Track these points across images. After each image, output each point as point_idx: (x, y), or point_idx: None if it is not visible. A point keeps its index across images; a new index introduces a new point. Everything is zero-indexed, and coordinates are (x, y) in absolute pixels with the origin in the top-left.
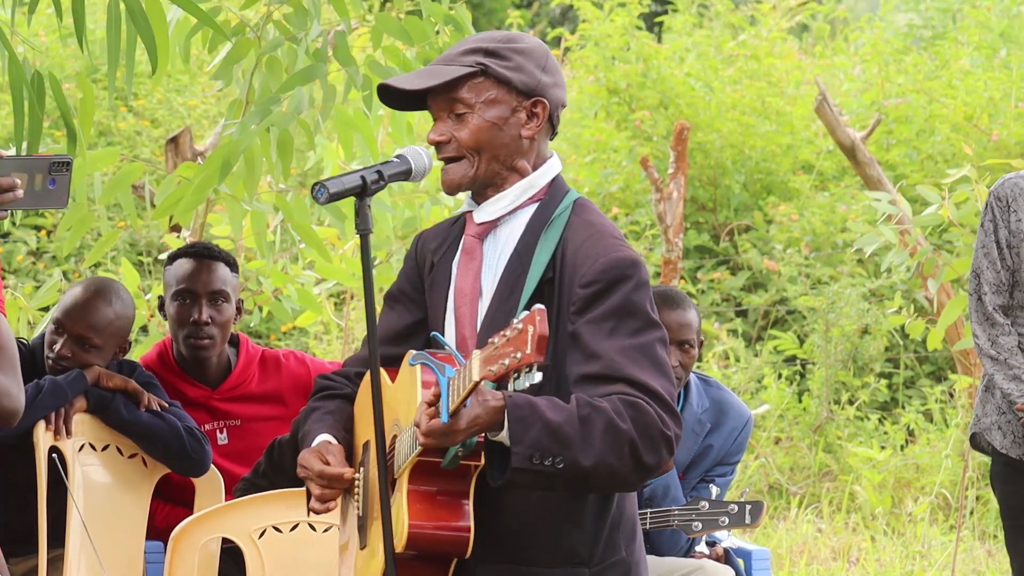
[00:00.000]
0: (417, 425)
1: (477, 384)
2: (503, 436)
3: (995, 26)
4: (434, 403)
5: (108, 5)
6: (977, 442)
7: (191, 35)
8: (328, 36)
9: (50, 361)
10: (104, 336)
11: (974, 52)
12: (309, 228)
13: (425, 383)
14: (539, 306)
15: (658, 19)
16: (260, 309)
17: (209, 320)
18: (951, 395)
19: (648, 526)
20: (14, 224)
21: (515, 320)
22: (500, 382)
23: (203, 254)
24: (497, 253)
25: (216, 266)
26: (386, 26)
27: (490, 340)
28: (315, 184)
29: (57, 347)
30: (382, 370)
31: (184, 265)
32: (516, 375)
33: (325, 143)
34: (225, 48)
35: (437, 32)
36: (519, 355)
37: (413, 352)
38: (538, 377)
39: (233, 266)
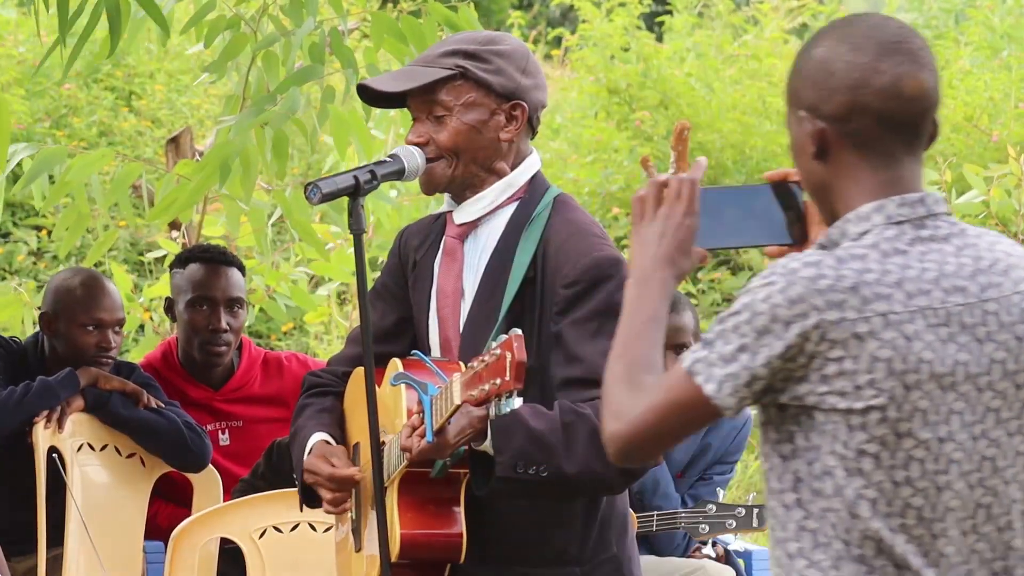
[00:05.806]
0: (408, 450)
1: (459, 407)
2: (487, 446)
3: (996, 26)
4: (419, 426)
5: None
6: None
7: (186, 29)
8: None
9: (107, 368)
10: (122, 312)
11: (974, 52)
12: (308, 225)
13: (409, 405)
14: (516, 331)
15: (658, 19)
16: (254, 308)
17: (227, 327)
18: None
19: (655, 528)
20: (14, 224)
21: (493, 344)
22: (480, 406)
23: (218, 259)
24: (478, 253)
25: (232, 272)
26: (382, 26)
27: (469, 364)
28: (308, 184)
29: (106, 344)
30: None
31: (200, 270)
32: (497, 399)
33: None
34: (217, 39)
35: (441, 32)
36: (498, 381)
37: (396, 371)
38: (518, 402)
39: (244, 270)
